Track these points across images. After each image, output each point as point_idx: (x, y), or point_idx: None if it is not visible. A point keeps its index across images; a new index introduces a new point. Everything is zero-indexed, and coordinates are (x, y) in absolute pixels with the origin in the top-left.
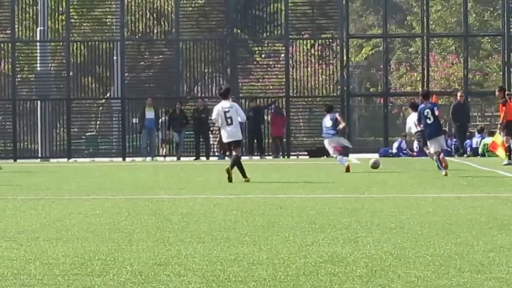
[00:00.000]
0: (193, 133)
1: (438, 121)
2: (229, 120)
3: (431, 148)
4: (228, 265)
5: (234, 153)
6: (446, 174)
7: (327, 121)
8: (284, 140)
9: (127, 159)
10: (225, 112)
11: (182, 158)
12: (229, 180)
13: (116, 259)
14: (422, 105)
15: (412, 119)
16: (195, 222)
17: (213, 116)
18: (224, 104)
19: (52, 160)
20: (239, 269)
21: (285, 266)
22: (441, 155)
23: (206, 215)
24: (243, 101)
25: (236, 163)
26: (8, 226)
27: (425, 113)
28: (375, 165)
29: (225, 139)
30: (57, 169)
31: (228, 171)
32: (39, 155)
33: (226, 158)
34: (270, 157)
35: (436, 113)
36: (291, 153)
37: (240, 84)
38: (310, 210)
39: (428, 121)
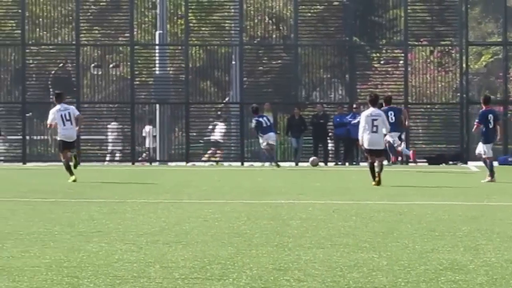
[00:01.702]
0: (312, 138)
1: (495, 128)
2: (375, 128)
3: (488, 152)
4: (347, 271)
5: (370, 160)
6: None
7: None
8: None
9: (246, 163)
10: (373, 120)
11: (300, 164)
12: (378, 183)
13: (236, 263)
14: (484, 109)
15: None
16: (314, 227)
17: (361, 121)
18: (373, 111)
19: (170, 163)
20: (359, 275)
21: (405, 272)
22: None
23: (325, 221)
24: (361, 107)
25: (373, 169)
26: (127, 229)
27: (488, 118)
28: (314, 163)
29: (366, 145)
30: (176, 173)
31: (378, 180)
32: (158, 159)
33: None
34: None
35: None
36: (410, 160)
37: (358, 90)
38: (430, 217)
39: (490, 125)
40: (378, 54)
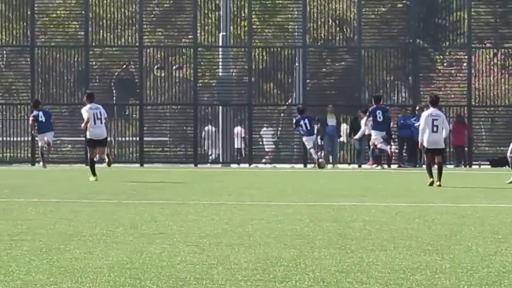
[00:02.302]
0: None
1: None
2: (435, 128)
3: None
4: (410, 273)
5: (428, 160)
6: None
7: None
8: (466, 149)
9: (308, 165)
10: (433, 120)
11: (362, 166)
12: (431, 184)
13: (298, 265)
14: None
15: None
16: (377, 230)
17: (421, 121)
18: (434, 111)
19: (233, 165)
20: (422, 278)
21: (468, 275)
22: None
23: (388, 223)
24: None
25: (431, 168)
26: (190, 231)
27: None
28: (321, 165)
29: (426, 145)
30: (238, 174)
31: (433, 181)
32: (220, 160)
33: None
34: (451, 166)
35: None
36: (473, 163)
37: (421, 93)
38: (493, 220)
39: None
40: (441, 57)
